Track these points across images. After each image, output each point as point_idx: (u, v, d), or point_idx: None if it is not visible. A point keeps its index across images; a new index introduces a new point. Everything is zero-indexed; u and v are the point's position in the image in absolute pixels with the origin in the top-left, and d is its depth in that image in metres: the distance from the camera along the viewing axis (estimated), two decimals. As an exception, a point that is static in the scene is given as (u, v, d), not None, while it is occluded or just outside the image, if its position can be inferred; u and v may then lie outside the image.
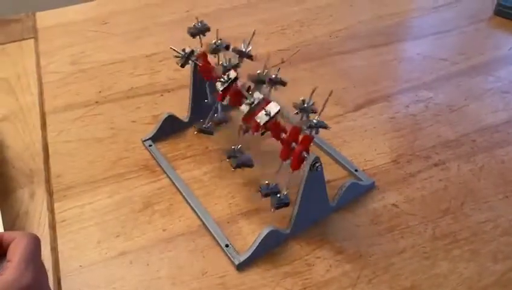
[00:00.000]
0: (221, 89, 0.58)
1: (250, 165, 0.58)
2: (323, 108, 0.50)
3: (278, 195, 0.57)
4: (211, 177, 0.63)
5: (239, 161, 0.58)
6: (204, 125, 0.64)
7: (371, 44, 0.87)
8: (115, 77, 0.81)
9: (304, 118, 0.51)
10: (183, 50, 0.62)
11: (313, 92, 0.50)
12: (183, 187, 0.61)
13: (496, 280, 0.52)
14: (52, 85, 0.79)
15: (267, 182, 0.56)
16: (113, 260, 0.54)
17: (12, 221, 0.57)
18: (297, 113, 0.52)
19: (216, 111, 0.63)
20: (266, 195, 0.56)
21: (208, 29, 0.62)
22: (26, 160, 0.66)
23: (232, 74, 0.57)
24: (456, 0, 0.98)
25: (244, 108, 0.54)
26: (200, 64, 0.62)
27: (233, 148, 0.60)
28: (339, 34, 0.89)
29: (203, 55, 0.62)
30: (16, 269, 0.38)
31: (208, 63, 0.62)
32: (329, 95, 0.49)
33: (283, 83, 0.55)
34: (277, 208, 0.55)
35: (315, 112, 0.51)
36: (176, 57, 0.62)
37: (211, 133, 0.65)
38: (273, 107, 0.52)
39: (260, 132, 0.55)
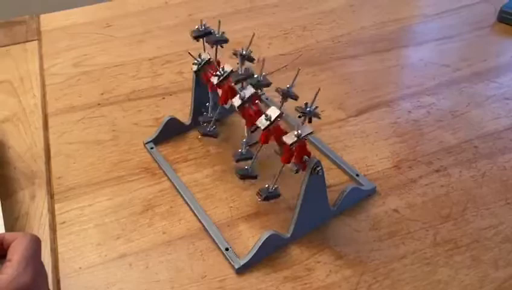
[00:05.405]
0: (215, 82, 0.57)
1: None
2: (314, 99, 0.50)
3: (266, 185, 0.56)
4: (212, 180, 0.63)
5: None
6: (208, 129, 0.64)
7: (373, 49, 0.87)
8: (117, 80, 0.81)
9: (307, 122, 0.51)
10: (199, 56, 0.62)
11: (317, 94, 0.50)
12: (184, 190, 0.61)
13: (496, 287, 0.51)
14: (55, 87, 0.80)
15: (266, 185, 0.56)
16: (113, 262, 0.54)
17: (13, 222, 0.57)
18: (300, 116, 0.51)
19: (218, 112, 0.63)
20: (265, 198, 0.56)
21: (210, 32, 0.62)
22: (27, 161, 0.66)
23: (227, 67, 0.57)
24: (459, 6, 0.98)
25: (236, 101, 0.54)
26: (210, 73, 0.62)
27: (240, 152, 0.61)
28: (341, 39, 0.89)
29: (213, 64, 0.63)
30: (15, 268, 0.38)
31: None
32: (318, 91, 0.49)
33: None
34: (264, 199, 0.56)
35: (318, 117, 0.51)
36: (194, 64, 0.62)
37: (216, 136, 0.65)
38: (273, 112, 0.52)
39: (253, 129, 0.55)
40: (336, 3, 0.99)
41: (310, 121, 0.51)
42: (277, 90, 0.54)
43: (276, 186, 0.57)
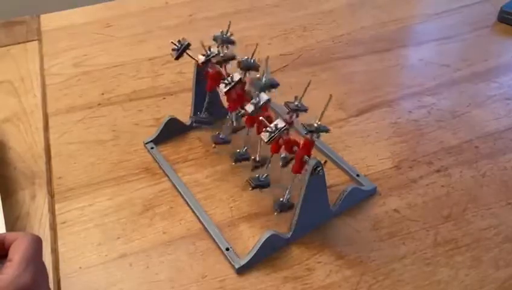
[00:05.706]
0: (224, 90, 0.58)
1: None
2: (323, 112, 0.50)
3: (281, 199, 0.57)
4: (212, 180, 0.63)
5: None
6: (221, 136, 0.64)
7: (374, 49, 0.87)
8: (118, 80, 0.81)
9: (294, 117, 0.51)
10: (179, 42, 0.62)
11: (329, 101, 0.50)
12: (184, 190, 0.61)
13: (497, 287, 0.51)
14: (55, 87, 0.80)
15: (257, 175, 0.57)
16: (113, 262, 0.54)
17: (14, 222, 0.57)
18: (288, 112, 0.51)
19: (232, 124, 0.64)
20: (255, 187, 0.57)
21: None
22: (28, 161, 0.66)
23: (236, 76, 0.57)
24: (459, 6, 0.98)
25: (249, 108, 0.54)
26: (211, 71, 0.62)
27: (239, 151, 0.61)
28: (341, 39, 0.89)
29: (217, 64, 0.63)
30: (15, 268, 0.38)
31: (219, 72, 0.62)
32: (329, 99, 0.49)
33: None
34: (281, 211, 0.56)
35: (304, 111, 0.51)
36: (173, 50, 0.62)
37: (229, 142, 0.65)
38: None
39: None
40: (336, 3, 0.99)
41: (297, 116, 0.52)
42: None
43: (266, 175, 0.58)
